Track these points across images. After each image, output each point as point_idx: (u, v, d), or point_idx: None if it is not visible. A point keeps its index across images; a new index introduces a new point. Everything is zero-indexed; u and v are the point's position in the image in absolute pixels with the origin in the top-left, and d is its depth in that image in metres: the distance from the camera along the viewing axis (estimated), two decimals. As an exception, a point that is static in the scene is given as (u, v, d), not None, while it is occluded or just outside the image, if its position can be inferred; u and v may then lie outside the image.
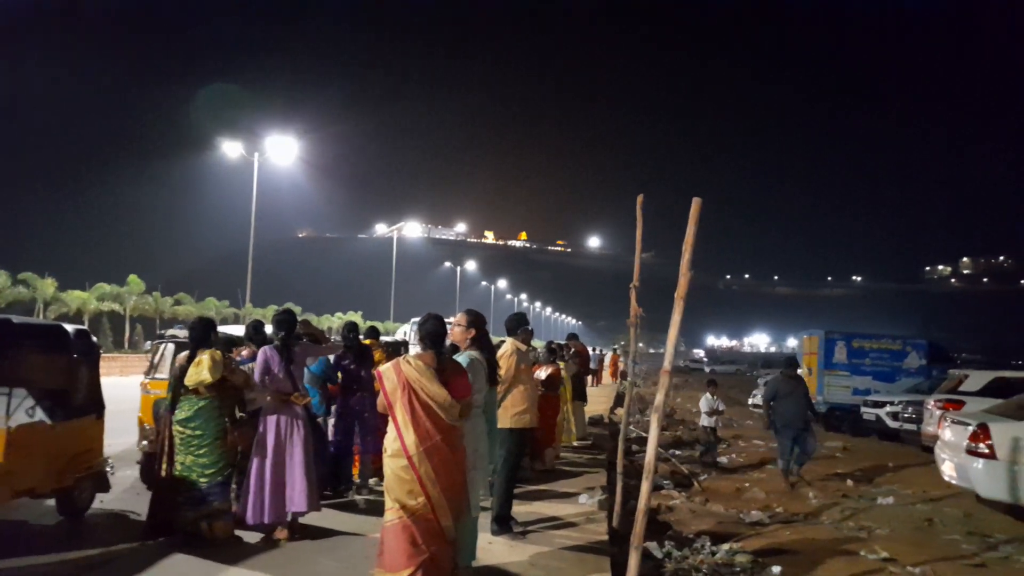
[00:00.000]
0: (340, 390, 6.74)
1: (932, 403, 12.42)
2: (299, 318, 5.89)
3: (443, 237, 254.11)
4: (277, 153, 27.95)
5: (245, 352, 6.11)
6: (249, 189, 26.89)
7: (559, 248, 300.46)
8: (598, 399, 17.78)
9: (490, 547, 5.18)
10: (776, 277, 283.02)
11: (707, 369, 61.32)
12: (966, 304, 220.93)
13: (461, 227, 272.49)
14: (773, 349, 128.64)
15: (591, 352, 25.62)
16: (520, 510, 6.07)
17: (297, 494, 5.17)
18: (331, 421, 6.85)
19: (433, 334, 4.16)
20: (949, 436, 8.94)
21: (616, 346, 33.97)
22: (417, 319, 4.41)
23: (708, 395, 11.40)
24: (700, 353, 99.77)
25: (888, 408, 15.18)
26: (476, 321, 4.86)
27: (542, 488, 7.38)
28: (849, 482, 10.09)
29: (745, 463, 11.48)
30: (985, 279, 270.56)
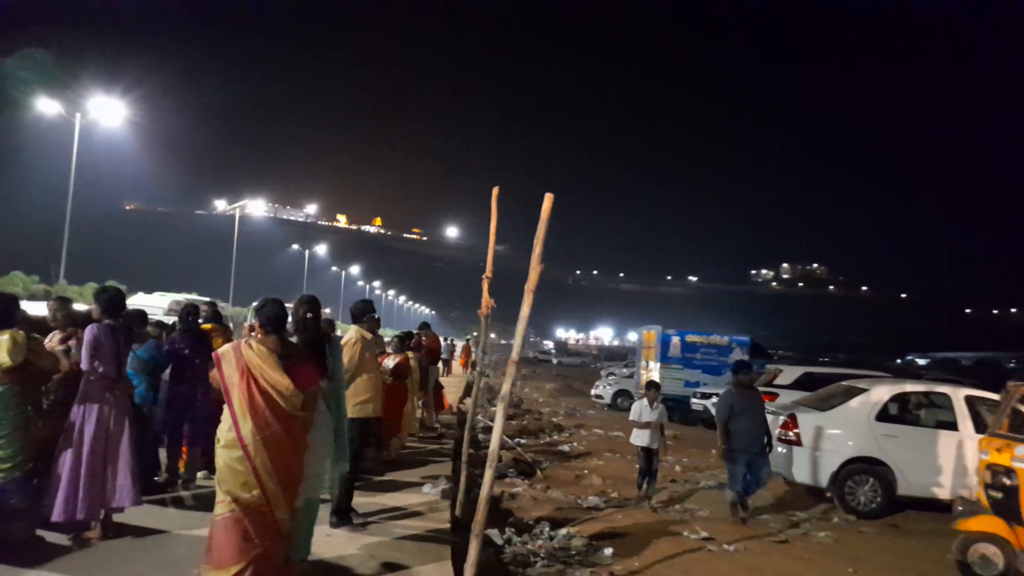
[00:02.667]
0: (171, 377, 6.26)
1: (751, 395, 13.55)
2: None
3: (291, 218, 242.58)
4: (102, 115, 25.30)
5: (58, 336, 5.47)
6: (68, 154, 24.25)
7: (415, 236, 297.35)
8: (449, 389, 17.81)
9: (328, 540, 5.03)
10: (622, 274, 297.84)
11: (555, 360, 63.37)
12: (784, 305, 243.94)
13: (311, 209, 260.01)
14: (616, 342, 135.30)
15: (443, 342, 25.69)
16: (362, 501, 5.95)
17: (120, 488, 4.75)
18: (157, 410, 6.33)
19: (274, 318, 3.97)
20: (764, 425, 9.81)
21: (469, 336, 34.26)
22: (256, 303, 4.16)
23: (644, 402, 8.61)
24: (550, 345, 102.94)
25: (714, 399, 16.39)
26: (299, 307, 4.67)
27: (386, 479, 7.27)
28: (677, 468, 10.83)
29: (586, 451, 11.97)
30: (801, 283, 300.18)
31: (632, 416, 8.61)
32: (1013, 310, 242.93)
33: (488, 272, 6.31)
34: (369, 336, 5.74)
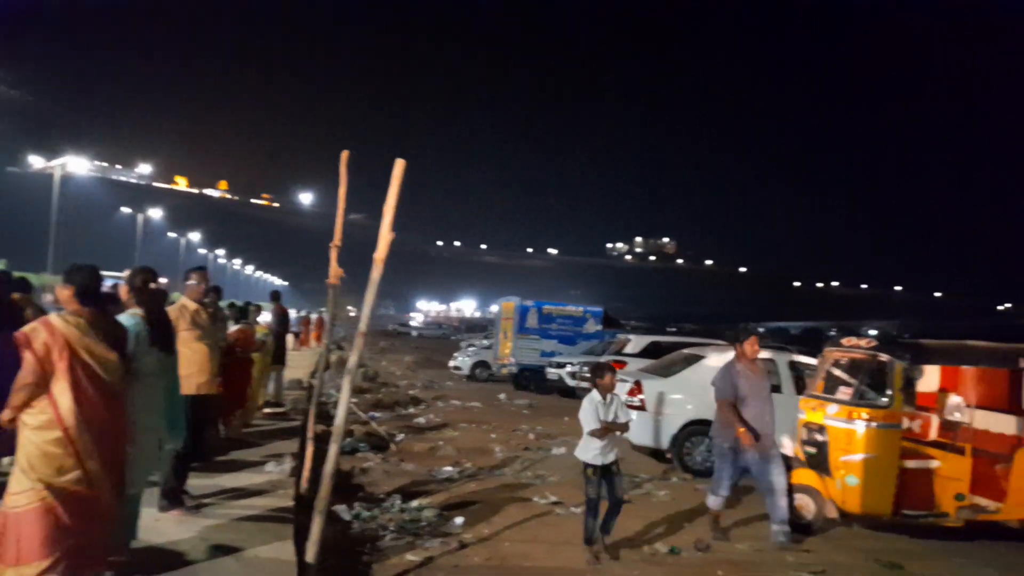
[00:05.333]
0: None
1: (602, 363, 14.14)
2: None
3: (122, 179, 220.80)
4: None
5: None
6: None
7: (265, 202, 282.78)
8: (301, 363, 17.22)
9: (156, 524, 4.68)
10: (484, 246, 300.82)
11: (415, 333, 62.96)
12: (638, 277, 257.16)
13: (145, 169, 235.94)
14: (478, 314, 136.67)
15: (295, 314, 24.77)
16: (198, 483, 5.59)
17: None
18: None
19: (87, 288, 3.60)
20: (612, 391, 10.23)
21: (323, 308, 33.26)
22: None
23: (595, 395, 5.40)
24: (418, 317, 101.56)
25: (568, 368, 17.00)
26: (135, 277, 4.29)
27: (227, 458, 6.89)
28: (531, 436, 11.10)
29: (442, 422, 11.98)
30: (652, 257, 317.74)
31: (587, 419, 5.35)
32: (835, 284, 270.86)
33: (336, 240, 6.07)
34: (193, 306, 5.33)
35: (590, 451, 5.36)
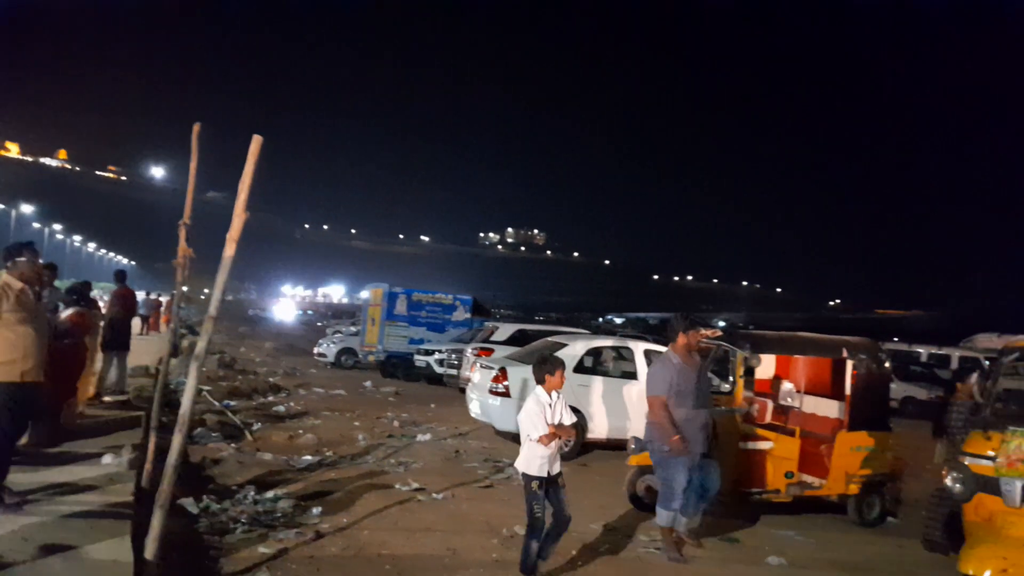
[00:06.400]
0: None
1: (470, 351, 14.26)
2: None
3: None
4: None
5: None
6: None
7: (111, 175, 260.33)
8: (150, 348, 16.06)
9: (-32, 526, 4.21)
10: (353, 231, 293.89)
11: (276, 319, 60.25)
12: (508, 267, 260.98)
13: None
14: (346, 300, 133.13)
15: (144, 296, 23.06)
16: (21, 478, 5.07)
17: None
18: None
19: None
20: (478, 378, 10.37)
21: (176, 291, 31.19)
22: None
23: (541, 395, 4.58)
24: (290, 303, 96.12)
25: (436, 356, 17.00)
26: None
27: (58, 451, 6.29)
28: (396, 423, 11.00)
29: (303, 410, 11.61)
30: (523, 248, 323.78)
31: (532, 423, 4.48)
32: (689, 277, 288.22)
33: (186, 218, 5.71)
34: (18, 285, 4.82)
35: (535, 461, 4.48)
